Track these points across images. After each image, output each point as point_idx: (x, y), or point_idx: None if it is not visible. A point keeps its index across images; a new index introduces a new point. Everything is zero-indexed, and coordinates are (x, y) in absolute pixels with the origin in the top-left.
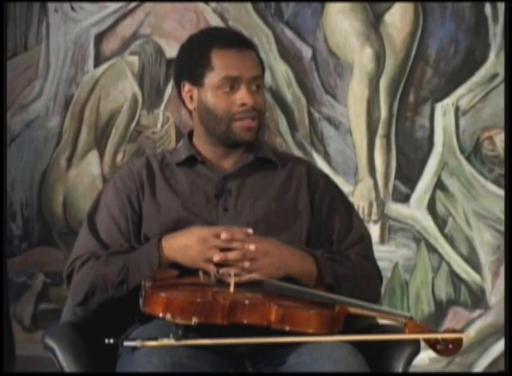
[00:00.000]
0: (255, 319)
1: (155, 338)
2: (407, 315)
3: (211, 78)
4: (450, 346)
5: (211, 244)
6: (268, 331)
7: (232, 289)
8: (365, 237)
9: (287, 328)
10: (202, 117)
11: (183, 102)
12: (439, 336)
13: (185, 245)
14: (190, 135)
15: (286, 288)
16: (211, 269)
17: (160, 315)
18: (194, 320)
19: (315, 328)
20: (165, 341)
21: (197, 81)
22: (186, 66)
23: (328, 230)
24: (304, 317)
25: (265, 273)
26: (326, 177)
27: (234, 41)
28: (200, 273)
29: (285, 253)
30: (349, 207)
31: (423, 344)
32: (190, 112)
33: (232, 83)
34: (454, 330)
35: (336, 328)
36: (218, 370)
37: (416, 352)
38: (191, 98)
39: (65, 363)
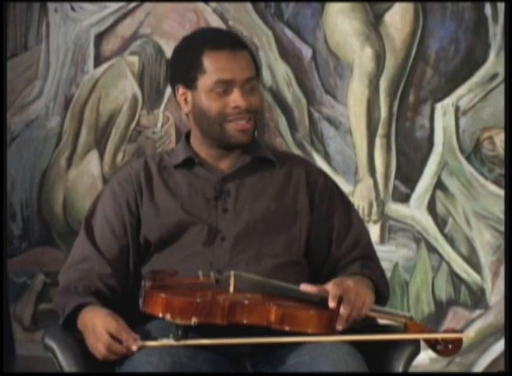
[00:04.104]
0: (255, 319)
1: (155, 338)
2: (407, 315)
3: (204, 81)
4: (450, 346)
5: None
6: (267, 331)
7: (231, 289)
8: (365, 237)
9: (287, 328)
10: (197, 119)
11: (179, 104)
12: (439, 336)
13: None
14: (187, 136)
15: (286, 288)
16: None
17: (160, 315)
18: (194, 320)
19: (315, 328)
20: (165, 341)
21: (190, 84)
22: (179, 70)
23: (328, 229)
24: (303, 317)
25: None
26: (325, 175)
27: (226, 42)
28: (200, 273)
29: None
30: (348, 205)
31: (423, 344)
32: (187, 114)
33: (225, 86)
34: (454, 331)
35: (336, 329)
36: (217, 370)
37: (416, 352)
38: (185, 101)
39: (65, 363)
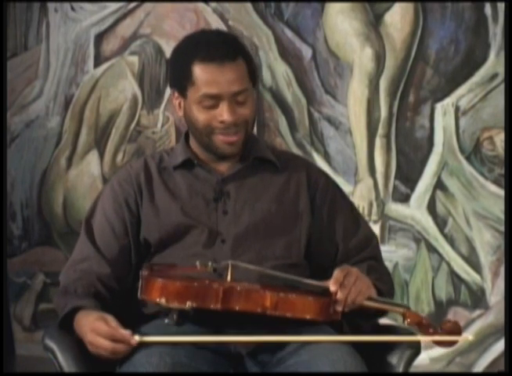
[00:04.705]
0: (250, 305)
1: None
2: (405, 305)
3: (193, 93)
4: None
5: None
6: (267, 331)
7: (229, 278)
8: (373, 238)
9: (282, 314)
10: (188, 126)
11: (174, 107)
12: (439, 338)
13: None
14: (187, 135)
15: (286, 279)
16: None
17: (157, 300)
18: (188, 304)
19: (313, 314)
20: (164, 338)
21: (182, 92)
22: (173, 76)
23: (330, 231)
24: (300, 303)
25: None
26: (326, 176)
27: (216, 53)
28: (198, 263)
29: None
30: (351, 207)
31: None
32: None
33: (213, 100)
34: (453, 323)
35: (334, 316)
36: (217, 370)
37: (417, 352)
38: (179, 105)
39: (65, 363)
